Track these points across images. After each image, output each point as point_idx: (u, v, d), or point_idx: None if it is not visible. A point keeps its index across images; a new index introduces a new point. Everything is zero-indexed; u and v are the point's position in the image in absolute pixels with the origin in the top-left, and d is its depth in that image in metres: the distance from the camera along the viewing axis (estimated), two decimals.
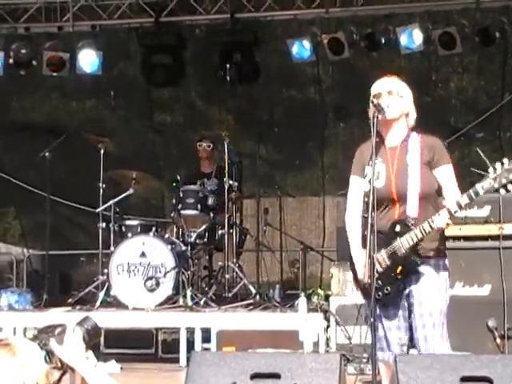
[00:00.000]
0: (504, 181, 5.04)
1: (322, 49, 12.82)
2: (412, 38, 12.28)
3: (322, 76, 13.84)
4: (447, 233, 6.34)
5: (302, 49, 12.99)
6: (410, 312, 5.54)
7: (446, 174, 5.52)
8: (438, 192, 5.53)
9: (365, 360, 7.91)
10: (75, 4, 13.68)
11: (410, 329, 5.60)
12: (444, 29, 12.18)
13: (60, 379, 3.72)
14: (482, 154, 5.22)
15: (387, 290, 5.27)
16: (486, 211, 8.03)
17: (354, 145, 5.96)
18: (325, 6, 12.90)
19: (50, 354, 3.72)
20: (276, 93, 14.11)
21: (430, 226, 5.30)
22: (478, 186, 5.13)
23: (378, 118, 5.39)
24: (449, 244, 6.25)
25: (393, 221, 5.47)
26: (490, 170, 5.08)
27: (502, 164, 5.08)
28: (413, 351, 5.71)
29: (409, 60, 12.57)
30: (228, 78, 12.69)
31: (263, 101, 14.13)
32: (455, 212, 5.23)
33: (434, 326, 5.43)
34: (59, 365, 3.73)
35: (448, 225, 5.31)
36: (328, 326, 9.21)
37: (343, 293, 9.23)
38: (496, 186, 5.07)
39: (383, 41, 12.45)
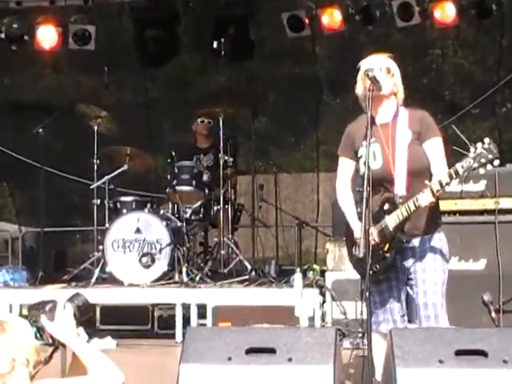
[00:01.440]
0: (483, 160, 5.07)
1: (317, 23, 12.80)
2: (408, 10, 12.26)
3: (317, 50, 13.83)
4: (445, 208, 6.41)
5: (297, 22, 12.98)
6: (409, 284, 5.66)
7: (433, 148, 5.57)
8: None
9: (360, 335, 7.94)
10: None
11: (407, 303, 5.72)
12: (440, 2, 12.20)
13: (51, 356, 3.80)
14: (459, 133, 5.27)
15: (376, 267, 5.34)
16: (481, 185, 8.05)
17: (349, 121, 5.97)
18: None
19: (40, 331, 3.78)
20: (271, 67, 14.09)
21: (415, 205, 5.35)
22: (458, 166, 5.16)
23: (373, 90, 5.42)
24: (445, 219, 6.39)
25: (382, 199, 5.54)
26: (471, 149, 5.10)
27: (483, 143, 5.09)
28: (410, 326, 5.79)
29: (405, 33, 12.51)
30: (222, 53, 12.72)
31: (258, 75, 14.10)
32: (437, 191, 5.26)
33: (436, 294, 5.53)
34: (50, 341, 3.78)
35: (432, 203, 5.34)
36: (323, 301, 9.25)
37: (339, 268, 9.27)
38: (475, 165, 5.10)
39: (378, 14, 12.44)
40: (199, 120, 11.41)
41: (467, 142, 5.15)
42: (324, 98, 13.57)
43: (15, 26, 13.41)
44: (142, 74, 14.36)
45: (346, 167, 5.87)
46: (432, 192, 5.25)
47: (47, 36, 13.47)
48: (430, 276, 5.55)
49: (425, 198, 5.28)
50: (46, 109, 13.08)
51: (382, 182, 5.50)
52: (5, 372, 3.65)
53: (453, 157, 5.39)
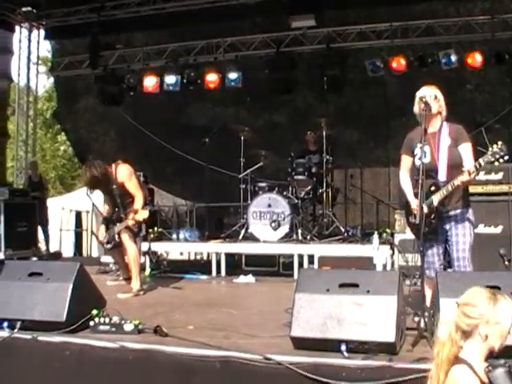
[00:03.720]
0: (497, 156, 5.11)
1: (389, 66, 12.69)
2: (449, 59, 12.03)
3: (387, 84, 13.67)
4: (474, 191, 6.36)
5: (375, 67, 12.88)
6: (448, 243, 5.64)
7: (465, 150, 5.55)
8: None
9: (417, 276, 7.84)
10: (225, 42, 13.87)
11: (447, 255, 5.69)
12: (471, 53, 11.95)
13: None
14: (485, 137, 5.27)
15: (426, 229, 5.33)
16: (499, 176, 7.89)
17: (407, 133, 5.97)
18: (390, 37, 12.77)
19: None
20: (359, 96, 13.94)
21: (452, 187, 5.41)
22: (481, 160, 5.21)
23: (426, 111, 5.50)
24: (474, 198, 6.48)
25: (429, 183, 5.54)
26: (490, 149, 5.16)
27: (497, 145, 5.14)
28: (449, 270, 5.74)
29: (447, 74, 12.23)
30: (325, 87, 12.73)
31: (349, 102, 13.96)
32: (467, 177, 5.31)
33: (465, 251, 5.53)
34: None
35: (463, 183, 5.42)
36: (393, 253, 9.18)
37: (403, 231, 9.17)
38: (492, 159, 5.14)
39: (430, 60, 12.24)
40: (309, 133, 11.39)
41: (488, 143, 5.18)
42: (393, 117, 13.36)
43: (192, 74, 13.73)
44: (272, 103, 14.38)
45: (405, 161, 5.89)
46: (462, 179, 5.34)
47: (212, 79, 13.73)
48: (461, 238, 5.56)
49: (460, 179, 5.35)
50: (210, 126, 13.29)
51: (429, 172, 5.50)
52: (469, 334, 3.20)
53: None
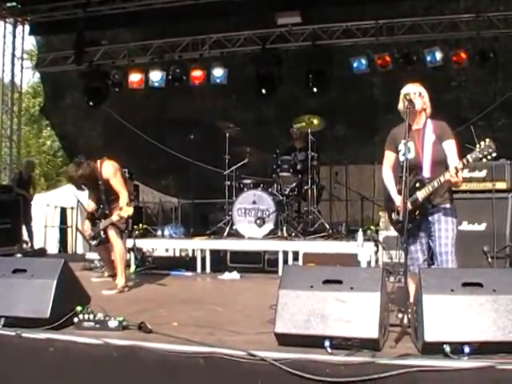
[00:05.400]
0: (485, 153, 5.12)
1: (374, 64, 12.73)
2: (434, 56, 12.10)
3: (373, 81, 13.71)
4: (458, 188, 6.41)
5: (360, 64, 12.92)
6: (431, 238, 5.67)
7: (449, 146, 5.59)
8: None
9: (401, 273, 7.87)
10: (211, 38, 13.85)
11: (430, 251, 5.70)
12: (456, 51, 12.04)
13: None
14: (474, 134, 5.28)
15: (409, 226, 5.36)
16: (483, 173, 7.98)
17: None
18: (375, 35, 12.79)
19: None
20: (343, 94, 13.96)
21: (438, 183, 5.44)
22: (469, 156, 5.21)
23: (410, 108, 5.51)
24: (459, 195, 6.49)
25: (414, 180, 5.58)
26: (477, 145, 5.15)
27: (485, 142, 5.14)
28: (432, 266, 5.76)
29: (432, 71, 12.29)
30: (310, 84, 12.74)
31: (335, 97, 13.95)
32: (455, 173, 5.30)
33: (447, 245, 5.54)
34: None
35: (450, 181, 5.40)
36: (377, 250, 9.20)
37: (387, 228, 9.19)
38: (480, 156, 5.14)
39: (415, 58, 12.32)
40: (291, 129, 11.33)
41: (476, 140, 5.20)
42: (379, 115, 13.39)
43: (177, 70, 13.72)
44: (257, 99, 14.36)
45: (389, 157, 5.91)
46: (450, 175, 5.32)
47: (197, 76, 13.71)
48: (443, 233, 5.57)
49: (447, 176, 5.35)
50: (195, 123, 13.25)
51: (414, 168, 5.54)
52: None
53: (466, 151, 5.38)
